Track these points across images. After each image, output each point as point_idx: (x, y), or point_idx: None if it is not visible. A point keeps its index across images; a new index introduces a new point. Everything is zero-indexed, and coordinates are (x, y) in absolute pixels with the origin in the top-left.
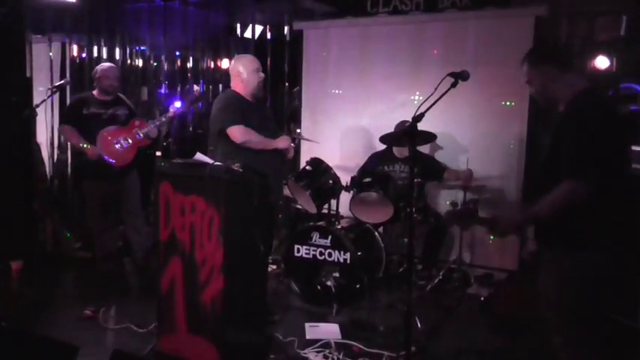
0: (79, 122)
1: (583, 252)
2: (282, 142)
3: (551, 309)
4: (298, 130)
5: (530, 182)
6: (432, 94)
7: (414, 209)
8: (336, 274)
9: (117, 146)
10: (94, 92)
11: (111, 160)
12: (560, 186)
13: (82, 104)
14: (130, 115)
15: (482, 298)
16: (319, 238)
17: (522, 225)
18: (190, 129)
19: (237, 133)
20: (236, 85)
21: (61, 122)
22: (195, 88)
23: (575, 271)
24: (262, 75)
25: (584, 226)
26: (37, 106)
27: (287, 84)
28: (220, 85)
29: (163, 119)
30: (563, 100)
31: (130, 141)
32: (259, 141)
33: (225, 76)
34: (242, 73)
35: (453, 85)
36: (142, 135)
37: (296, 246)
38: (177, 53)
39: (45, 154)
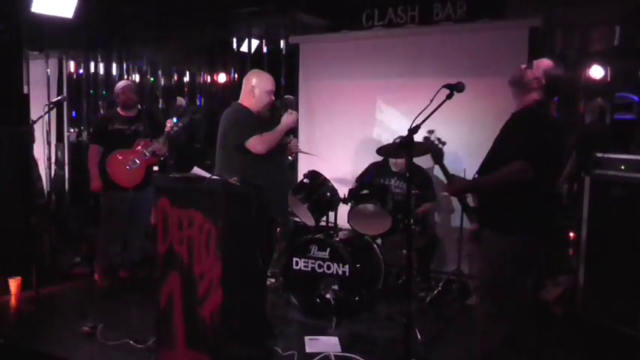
0: (104, 138)
1: (506, 235)
2: (289, 119)
3: (481, 279)
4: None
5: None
6: (427, 106)
7: (412, 220)
8: (335, 287)
9: (127, 168)
10: (118, 109)
11: (123, 185)
12: (510, 164)
13: (107, 121)
14: (152, 130)
15: None
16: (318, 250)
17: (471, 188)
18: (187, 143)
19: (256, 144)
20: (245, 100)
21: (89, 142)
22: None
23: (499, 249)
24: (273, 98)
25: (511, 214)
26: (35, 122)
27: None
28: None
29: (165, 136)
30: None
31: (138, 161)
32: (275, 138)
33: (222, 90)
34: (255, 89)
35: (449, 97)
36: (148, 154)
37: (294, 259)
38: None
39: (42, 169)
